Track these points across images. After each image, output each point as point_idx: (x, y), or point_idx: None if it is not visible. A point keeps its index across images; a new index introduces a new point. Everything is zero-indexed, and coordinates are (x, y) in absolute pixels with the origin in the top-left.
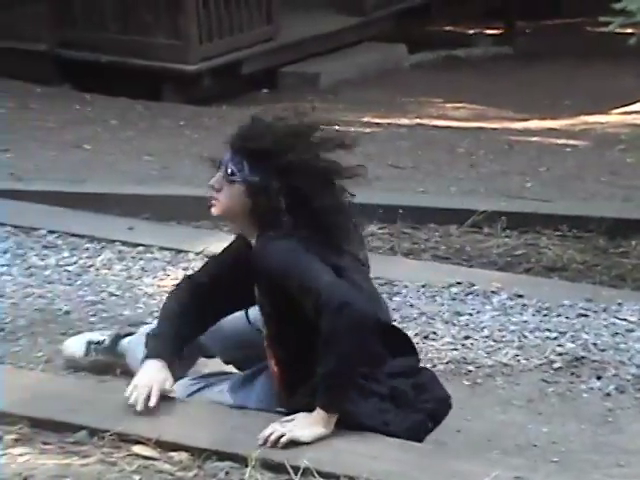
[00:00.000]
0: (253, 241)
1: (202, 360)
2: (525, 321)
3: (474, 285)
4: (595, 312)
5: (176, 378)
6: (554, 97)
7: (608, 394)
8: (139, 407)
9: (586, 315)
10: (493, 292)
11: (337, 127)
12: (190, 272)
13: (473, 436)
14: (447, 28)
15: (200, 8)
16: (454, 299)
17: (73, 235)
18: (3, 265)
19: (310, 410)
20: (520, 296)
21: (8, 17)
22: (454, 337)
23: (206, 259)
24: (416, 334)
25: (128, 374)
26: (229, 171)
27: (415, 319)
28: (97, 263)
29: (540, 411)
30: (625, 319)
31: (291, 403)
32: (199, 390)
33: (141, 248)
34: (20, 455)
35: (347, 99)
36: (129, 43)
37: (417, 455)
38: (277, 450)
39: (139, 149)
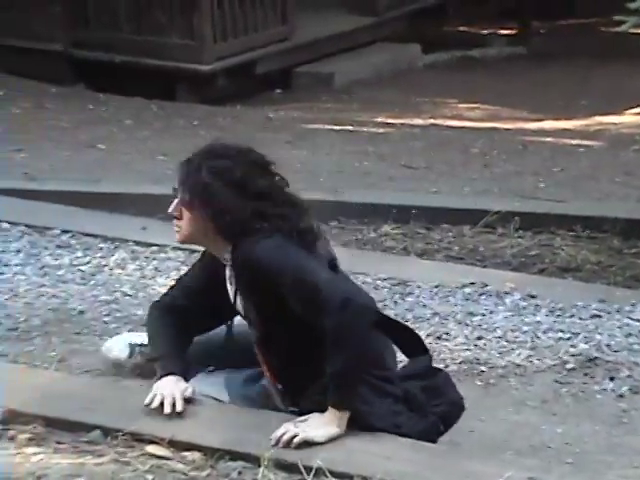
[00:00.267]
0: (227, 255)
1: None
2: (538, 322)
3: (487, 285)
4: (609, 313)
5: None
6: (568, 97)
7: (622, 395)
8: (167, 409)
9: (600, 316)
10: (506, 292)
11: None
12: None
13: (487, 437)
14: (461, 28)
15: (215, 8)
16: (467, 299)
17: (87, 235)
18: (17, 265)
19: (322, 410)
20: (533, 297)
21: (23, 17)
22: (467, 337)
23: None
24: (429, 334)
25: None
26: (185, 197)
27: (428, 319)
28: (111, 263)
29: (554, 412)
30: (639, 320)
31: (301, 403)
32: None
33: (155, 248)
34: (34, 454)
35: (361, 99)
36: (143, 43)
37: (430, 455)
38: (290, 450)
39: (153, 149)
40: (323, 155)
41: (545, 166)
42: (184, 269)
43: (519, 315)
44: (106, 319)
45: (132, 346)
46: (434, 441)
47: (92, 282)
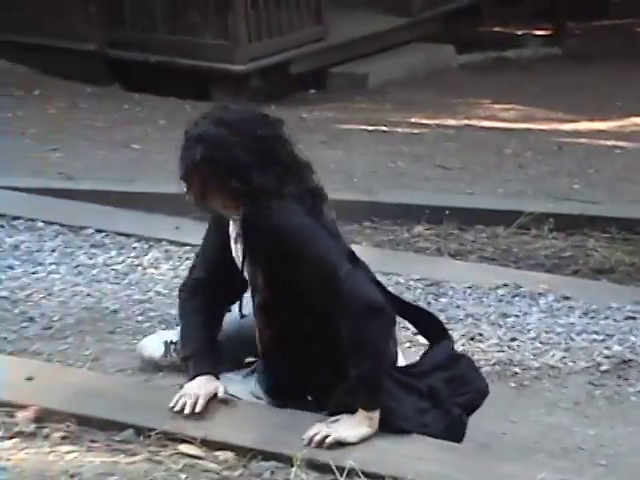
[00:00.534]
0: (237, 216)
1: None
2: (572, 323)
3: (521, 287)
4: None
5: None
6: (603, 98)
7: None
8: (187, 410)
9: (634, 317)
10: (540, 294)
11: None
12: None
13: (519, 438)
14: (496, 29)
15: (249, 8)
16: (501, 300)
17: (121, 234)
18: (52, 264)
19: (350, 411)
20: (567, 298)
21: (59, 17)
22: (500, 339)
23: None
24: (462, 335)
25: None
26: (196, 157)
27: (461, 320)
28: (144, 262)
29: (587, 414)
30: None
31: (330, 405)
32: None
33: (188, 248)
34: (67, 453)
35: (395, 99)
36: (178, 43)
37: (461, 457)
38: (322, 450)
39: None
40: (357, 155)
41: (580, 167)
42: None
43: (553, 316)
44: (139, 318)
45: (167, 344)
46: (461, 437)
47: (126, 281)
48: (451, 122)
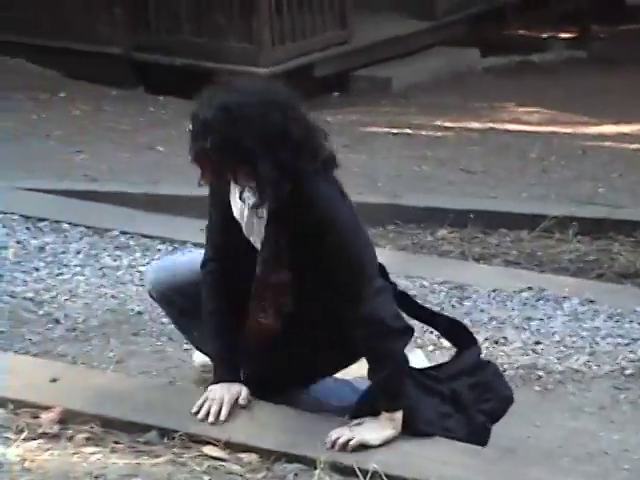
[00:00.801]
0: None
1: None
2: (597, 327)
3: (545, 290)
4: None
5: None
6: (628, 102)
7: None
8: (211, 418)
9: None
10: (564, 298)
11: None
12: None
13: (543, 443)
14: (521, 32)
15: (273, 12)
16: (525, 304)
17: (145, 236)
18: (76, 265)
19: (373, 414)
20: (592, 302)
21: (84, 20)
22: (525, 343)
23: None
24: (486, 339)
25: None
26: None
27: (485, 324)
28: None
29: (612, 419)
30: None
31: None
32: None
33: None
34: (91, 454)
35: (419, 103)
36: (202, 46)
37: (485, 461)
38: (346, 453)
39: None
40: (381, 159)
41: (604, 171)
42: None
43: (577, 320)
44: (164, 320)
45: None
46: (485, 442)
47: None
48: (475, 126)
